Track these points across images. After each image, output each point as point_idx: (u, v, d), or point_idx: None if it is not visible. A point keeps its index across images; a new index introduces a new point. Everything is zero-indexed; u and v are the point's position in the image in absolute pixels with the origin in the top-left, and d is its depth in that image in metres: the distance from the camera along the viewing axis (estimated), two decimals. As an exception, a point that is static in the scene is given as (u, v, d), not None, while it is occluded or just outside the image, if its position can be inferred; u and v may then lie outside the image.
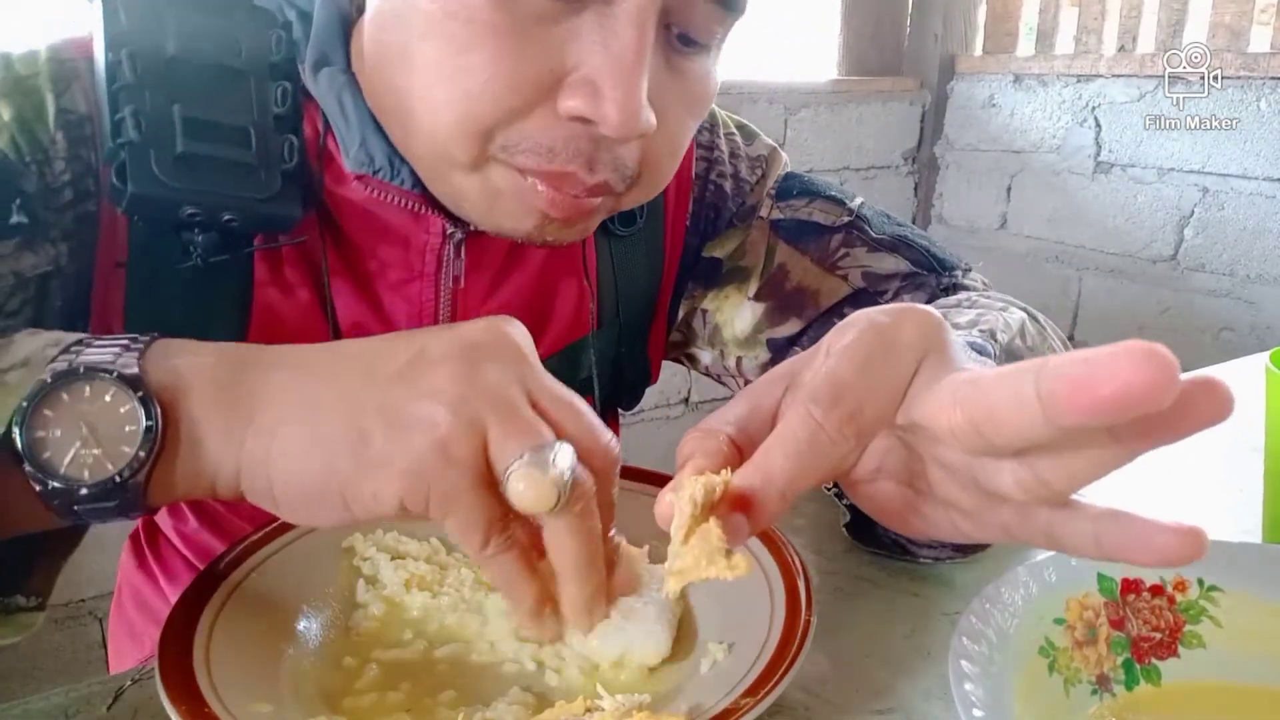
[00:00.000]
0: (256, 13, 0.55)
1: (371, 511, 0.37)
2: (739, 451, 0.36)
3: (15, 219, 0.49)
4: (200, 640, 0.40)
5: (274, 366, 0.39)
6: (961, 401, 0.31)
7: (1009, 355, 0.52)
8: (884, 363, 0.34)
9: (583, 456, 0.38)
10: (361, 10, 0.54)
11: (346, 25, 0.55)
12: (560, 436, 0.38)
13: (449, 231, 0.57)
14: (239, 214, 0.51)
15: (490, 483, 0.37)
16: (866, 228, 0.67)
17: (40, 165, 0.51)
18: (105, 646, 1.61)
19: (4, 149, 0.50)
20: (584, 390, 0.67)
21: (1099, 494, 0.31)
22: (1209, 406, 0.27)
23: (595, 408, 0.68)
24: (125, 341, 0.38)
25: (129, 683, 0.42)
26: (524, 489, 0.36)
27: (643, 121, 0.46)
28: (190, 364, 0.38)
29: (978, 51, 2.25)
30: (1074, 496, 0.32)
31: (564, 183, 0.48)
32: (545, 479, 0.36)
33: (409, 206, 0.55)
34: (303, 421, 0.37)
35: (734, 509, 0.33)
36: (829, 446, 0.33)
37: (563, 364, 0.65)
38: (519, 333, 0.41)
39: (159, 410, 0.36)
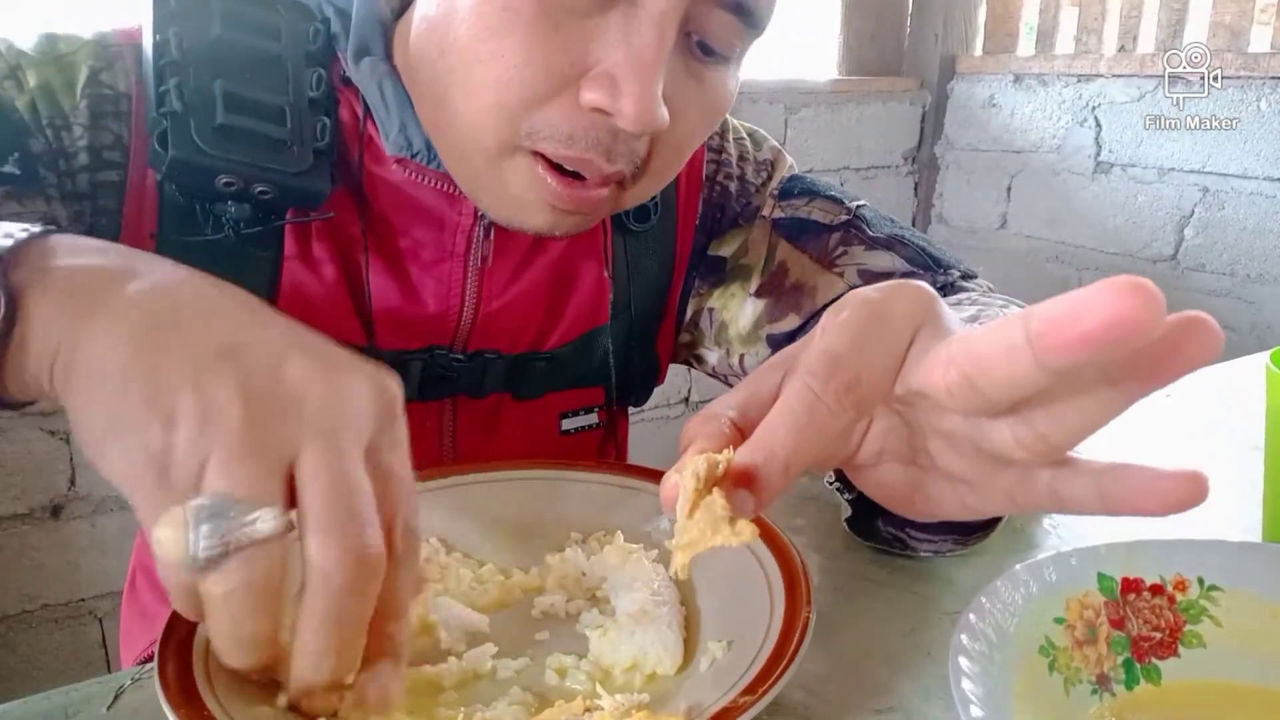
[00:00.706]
0: (296, 7, 0.58)
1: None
2: (740, 435, 0.36)
3: (7, 168, 0.51)
4: (200, 640, 0.40)
5: (122, 315, 0.34)
6: (955, 358, 0.31)
7: None
8: (878, 334, 0.34)
9: (386, 532, 0.34)
10: (397, 11, 0.58)
11: (384, 24, 0.58)
12: (380, 504, 0.34)
13: (480, 214, 0.60)
14: (272, 186, 0.54)
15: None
16: (864, 227, 0.68)
17: (58, 130, 0.54)
18: (105, 646, 1.61)
19: (21, 110, 0.53)
20: (598, 378, 0.70)
21: (1120, 519, 0.31)
22: (1198, 343, 0.27)
23: (609, 397, 0.71)
24: (20, 229, 0.37)
25: (129, 682, 0.42)
26: (160, 536, 0.31)
27: (657, 117, 0.48)
28: (57, 267, 0.36)
29: (978, 51, 2.25)
30: (1073, 454, 0.32)
31: (582, 168, 0.51)
32: (182, 535, 0.31)
33: (444, 188, 0.59)
34: (104, 395, 0.34)
35: (738, 486, 0.33)
36: (828, 418, 0.33)
37: (578, 351, 0.68)
38: (396, 386, 0.37)
39: (6, 301, 0.34)
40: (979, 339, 0.30)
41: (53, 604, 1.54)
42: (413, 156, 0.58)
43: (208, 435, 0.32)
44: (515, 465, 0.57)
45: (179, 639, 0.39)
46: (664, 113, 0.49)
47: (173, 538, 0.31)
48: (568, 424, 0.70)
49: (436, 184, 0.59)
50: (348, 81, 0.59)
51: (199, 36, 0.54)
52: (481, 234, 0.61)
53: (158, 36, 0.53)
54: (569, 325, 0.67)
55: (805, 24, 2.28)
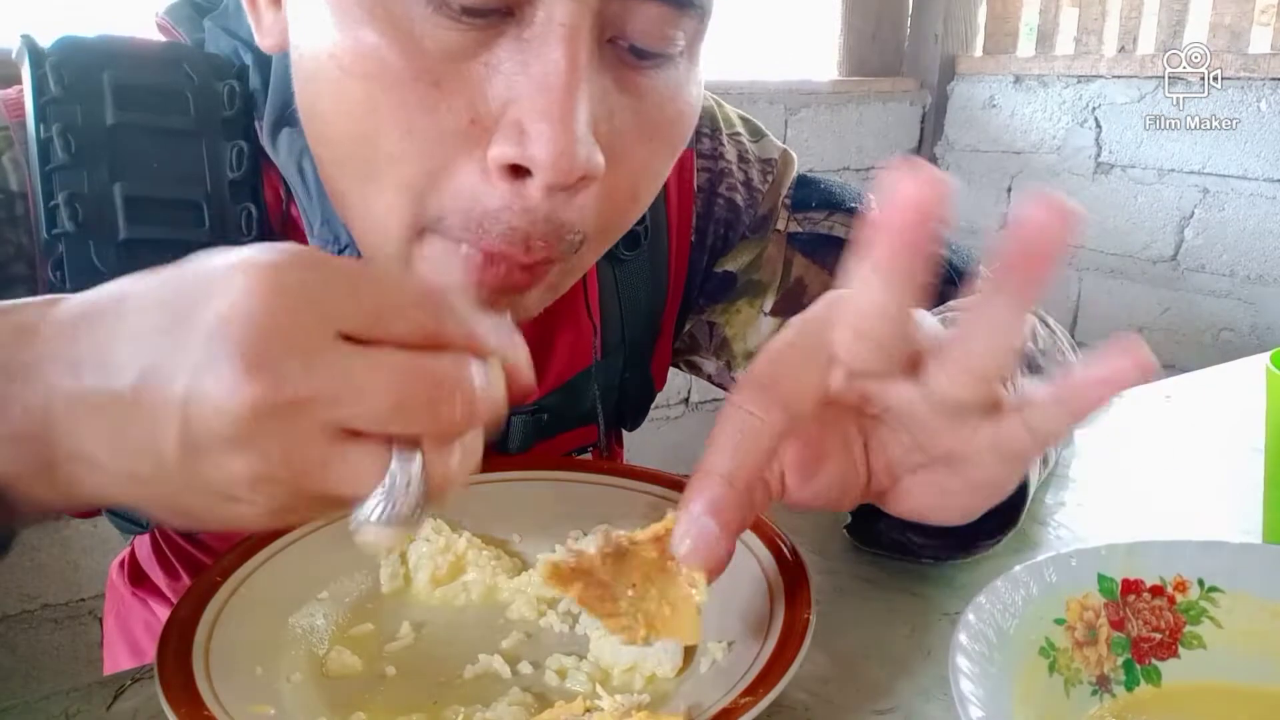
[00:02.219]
0: (206, 61, 0.50)
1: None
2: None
3: None
4: (200, 641, 0.40)
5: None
6: (839, 317, 0.33)
7: (1021, 359, 0.52)
8: (798, 339, 0.36)
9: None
10: None
11: None
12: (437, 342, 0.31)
13: None
14: None
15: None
16: None
17: None
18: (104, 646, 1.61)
19: None
20: (587, 420, 0.65)
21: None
22: (1040, 224, 0.29)
23: (600, 435, 0.66)
24: None
25: (129, 683, 0.42)
26: (373, 540, 0.31)
27: (581, 158, 0.39)
28: None
29: (978, 52, 2.25)
30: (1027, 390, 0.34)
31: (494, 261, 0.42)
32: (393, 529, 0.31)
33: None
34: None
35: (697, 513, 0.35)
36: (759, 425, 0.35)
37: (565, 398, 0.63)
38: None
39: None
40: (847, 295, 0.33)
41: (53, 604, 1.54)
42: (340, 251, 0.49)
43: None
44: (515, 468, 0.56)
45: (179, 639, 0.39)
46: (592, 153, 0.39)
47: (381, 537, 0.31)
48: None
49: None
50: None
51: (90, 128, 0.45)
52: None
53: (41, 132, 0.44)
54: (554, 376, 0.62)
55: (805, 24, 2.28)
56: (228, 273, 0.29)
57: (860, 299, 0.32)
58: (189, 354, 0.28)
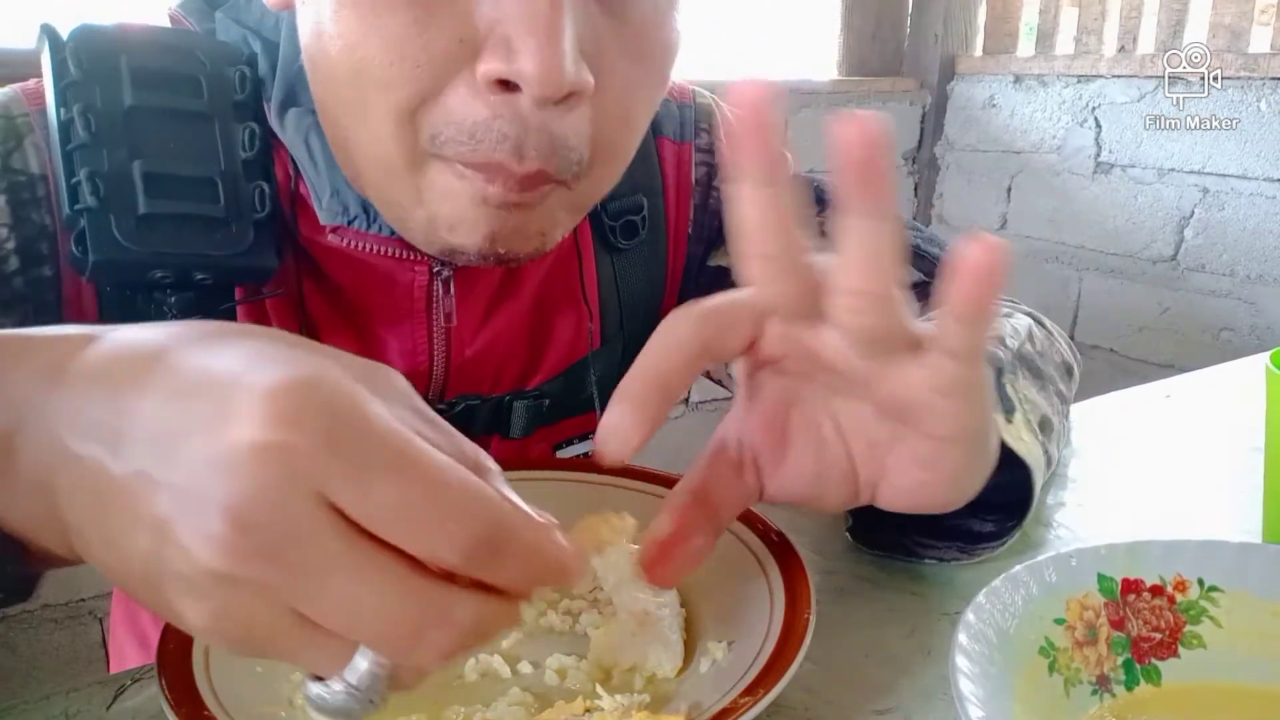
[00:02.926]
0: (218, 48, 0.52)
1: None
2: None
3: None
4: (200, 641, 0.40)
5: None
6: (741, 251, 0.34)
7: (1020, 360, 0.52)
8: (724, 298, 0.38)
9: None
10: None
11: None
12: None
13: (435, 269, 0.55)
14: (211, 271, 0.48)
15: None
16: None
17: None
18: (105, 646, 1.61)
19: None
20: (585, 408, 0.66)
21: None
22: (852, 136, 0.30)
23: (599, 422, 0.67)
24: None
25: (129, 683, 0.42)
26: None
27: (568, 73, 0.41)
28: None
29: (978, 52, 2.25)
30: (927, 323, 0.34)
31: (493, 174, 0.44)
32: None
33: (389, 253, 0.53)
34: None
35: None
36: (673, 322, 0.36)
37: (564, 386, 0.64)
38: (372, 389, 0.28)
39: None
40: (740, 225, 0.33)
41: (53, 604, 1.54)
42: (349, 223, 0.51)
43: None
44: (515, 468, 0.56)
45: (179, 639, 0.39)
46: (579, 69, 0.42)
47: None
48: (562, 454, 0.68)
49: (380, 249, 0.53)
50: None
51: (109, 109, 0.47)
52: (440, 289, 0.56)
53: (62, 114, 0.46)
54: (552, 364, 0.64)
55: (805, 24, 2.28)
56: (251, 399, 0.25)
57: (740, 217, 0.33)
58: (182, 474, 0.26)
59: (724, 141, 0.31)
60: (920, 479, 0.38)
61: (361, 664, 0.27)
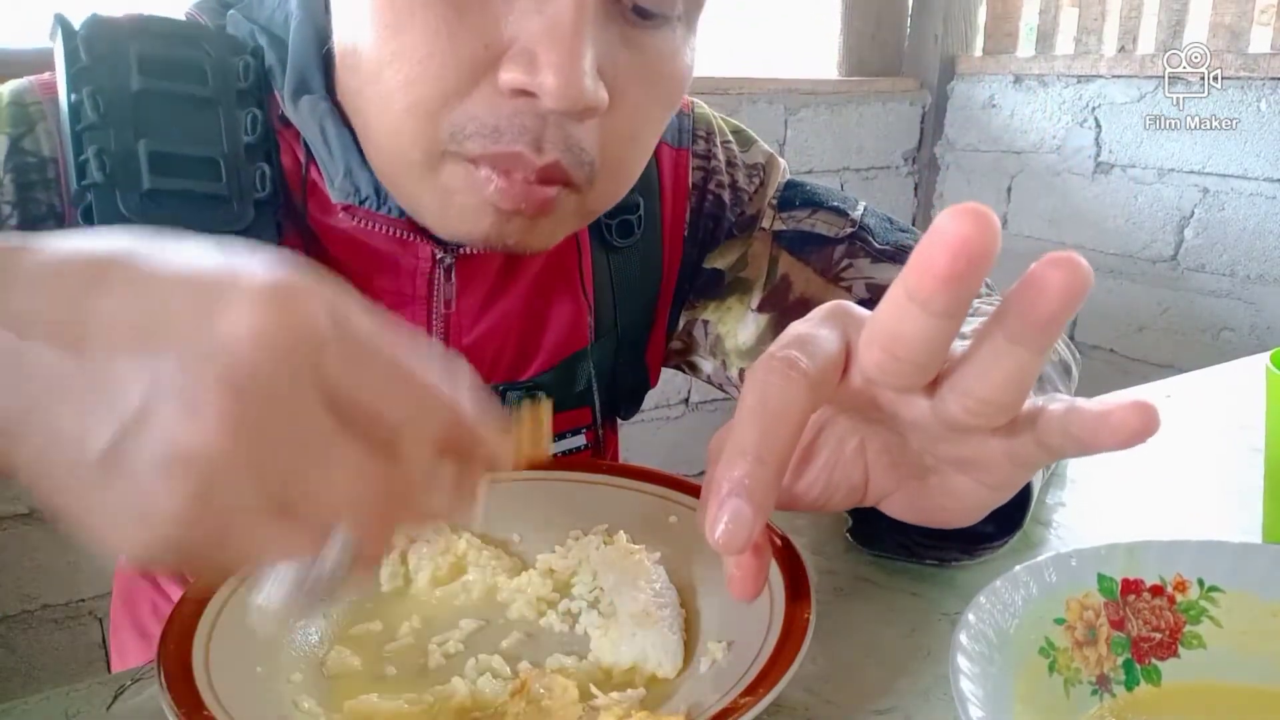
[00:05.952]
0: (224, 41, 0.54)
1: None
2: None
3: None
4: (200, 641, 0.40)
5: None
6: (870, 337, 0.33)
7: None
8: (822, 327, 0.36)
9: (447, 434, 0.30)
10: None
11: (326, 52, 0.53)
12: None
13: (438, 256, 0.57)
14: None
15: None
16: (870, 238, 0.67)
17: None
18: (105, 646, 1.61)
19: None
20: (582, 401, 0.67)
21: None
22: (1061, 277, 0.29)
23: (594, 418, 0.68)
24: None
25: (129, 683, 0.42)
26: (274, 614, 0.29)
27: (585, 90, 0.44)
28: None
29: (978, 52, 2.25)
30: (1044, 404, 0.33)
31: (512, 165, 0.46)
32: (303, 607, 0.28)
33: (396, 234, 0.55)
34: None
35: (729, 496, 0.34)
36: (789, 395, 0.34)
37: (560, 377, 0.65)
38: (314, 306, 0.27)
39: None
40: (878, 314, 0.32)
41: (53, 604, 1.54)
42: (361, 203, 0.53)
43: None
44: (513, 468, 0.56)
45: (179, 639, 0.39)
46: (597, 87, 0.44)
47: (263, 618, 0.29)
48: (554, 448, 0.68)
49: (388, 230, 0.55)
50: (287, 121, 0.55)
51: (117, 92, 0.49)
52: (442, 276, 0.58)
53: (73, 97, 0.49)
54: (547, 353, 0.65)
55: (805, 24, 2.28)
56: (250, 290, 0.26)
57: (892, 320, 0.31)
58: (170, 360, 0.25)
59: (919, 260, 0.29)
60: (943, 505, 0.38)
61: (333, 545, 0.28)
